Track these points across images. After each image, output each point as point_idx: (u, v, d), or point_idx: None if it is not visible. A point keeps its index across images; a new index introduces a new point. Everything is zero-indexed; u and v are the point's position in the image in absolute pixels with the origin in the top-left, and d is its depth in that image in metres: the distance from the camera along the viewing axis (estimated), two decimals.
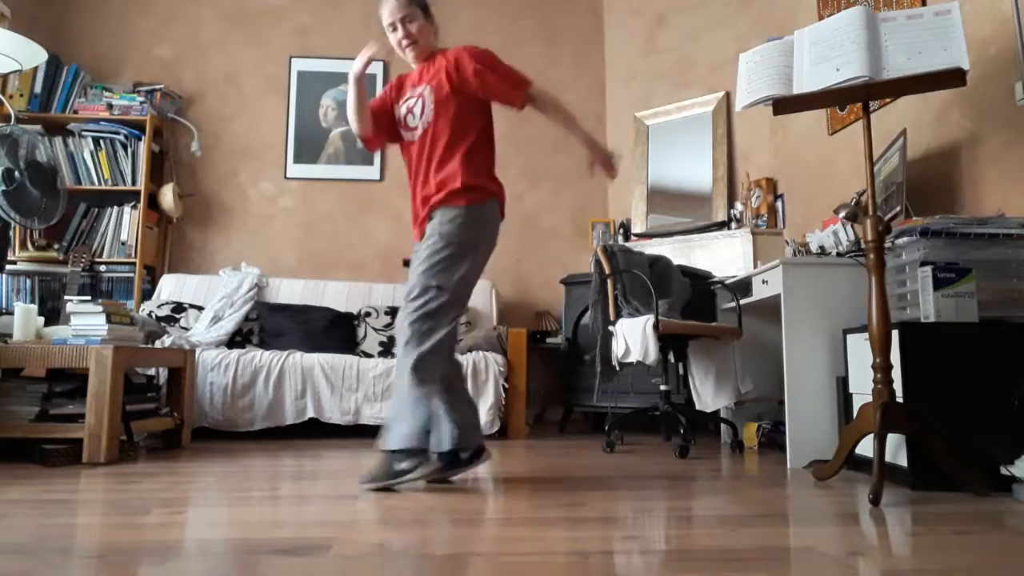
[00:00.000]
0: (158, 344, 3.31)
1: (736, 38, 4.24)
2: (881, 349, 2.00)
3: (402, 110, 2.29)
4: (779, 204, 3.96)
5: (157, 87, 4.39)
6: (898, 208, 2.64)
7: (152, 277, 4.29)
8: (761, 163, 4.13)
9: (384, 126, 2.33)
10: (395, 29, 2.24)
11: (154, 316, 3.76)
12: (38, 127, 3.96)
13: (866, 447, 2.16)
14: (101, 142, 4.16)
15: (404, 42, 2.24)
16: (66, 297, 3.61)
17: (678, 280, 3.33)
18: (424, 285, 2.07)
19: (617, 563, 1.27)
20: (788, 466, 2.52)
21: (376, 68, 4.67)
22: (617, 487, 2.10)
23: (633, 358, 2.88)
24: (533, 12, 4.88)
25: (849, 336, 2.46)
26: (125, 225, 4.15)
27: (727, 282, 3.26)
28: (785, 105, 2.19)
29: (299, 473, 2.34)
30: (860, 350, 2.35)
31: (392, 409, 2.12)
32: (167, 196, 4.26)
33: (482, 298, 4.18)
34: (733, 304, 3.16)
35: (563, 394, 4.08)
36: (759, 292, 2.90)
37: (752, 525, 1.58)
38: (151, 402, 2.91)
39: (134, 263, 4.10)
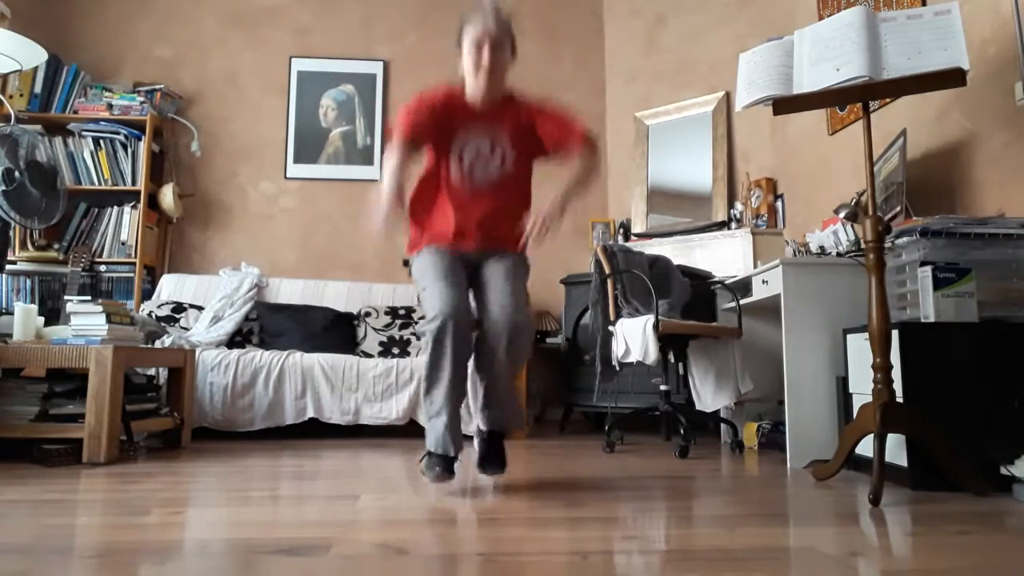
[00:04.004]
0: (158, 344, 3.31)
1: (736, 38, 4.24)
2: (881, 349, 2.00)
3: (469, 147, 2.09)
4: (779, 204, 3.96)
5: (157, 87, 4.38)
6: (898, 208, 2.64)
7: (152, 277, 4.29)
8: (761, 163, 4.13)
9: (425, 138, 2.07)
10: (480, 49, 1.96)
11: (154, 316, 3.76)
12: (38, 127, 3.96)
13: (866, 447, 2.16)
14: (101, 142, 4.16)
15: (486, 67, 1.96)
16: (66, 297, 3.61)
17: (678, 280, 3.33)
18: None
19: (617, 563, 1.27)
20: (788, 466, 2.52)
21: (376, 68, 4.67)
22: (617, 487, 2.10)
23: (633, 358, 2.88)
24: (533, 12, 4.87)
25: (849, 336, 2.46)
26: (125, 225, 4.15)
27: (727, 282, 3.26)
28: (785, 105, 2.19)
29: (299, 473, 2.34)
30: (860, 350, 2.35)
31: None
32: (167, 196, 4.26)
33: None
34: (733, 304, 3.16)
35: (563, 394, 4.08)
36: (759, 292, 2.90)
37: (752, 525, 1.58)
38: (151, 402, 2.90)
39: (134, 263, 4.10)
